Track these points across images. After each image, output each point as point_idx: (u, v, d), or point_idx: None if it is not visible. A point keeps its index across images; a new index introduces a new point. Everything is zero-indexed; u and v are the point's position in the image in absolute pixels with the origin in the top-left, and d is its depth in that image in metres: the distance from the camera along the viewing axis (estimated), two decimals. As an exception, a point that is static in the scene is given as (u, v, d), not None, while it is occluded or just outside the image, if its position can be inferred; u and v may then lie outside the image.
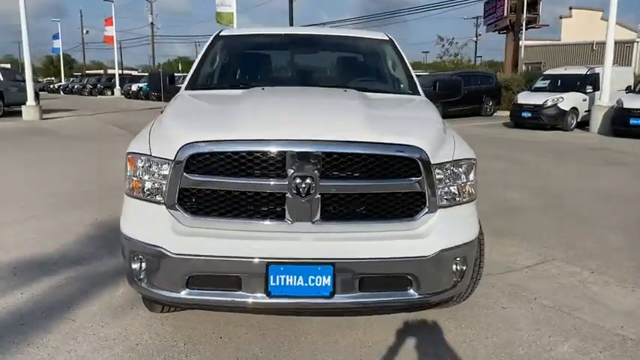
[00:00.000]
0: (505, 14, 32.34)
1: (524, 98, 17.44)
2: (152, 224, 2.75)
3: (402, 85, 4.24)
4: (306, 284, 2.61)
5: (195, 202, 2.72)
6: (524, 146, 13.05)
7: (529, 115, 16.89)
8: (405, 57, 4.24)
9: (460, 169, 2.88)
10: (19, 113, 20.10)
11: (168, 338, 3.15)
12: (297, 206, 2.64)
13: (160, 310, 3.34)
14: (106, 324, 3.32)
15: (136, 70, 76.76)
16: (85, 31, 73.33)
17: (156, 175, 2.75)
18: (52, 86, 63.22)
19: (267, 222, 2.69)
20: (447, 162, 2.81)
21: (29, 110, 19.81)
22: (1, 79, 21.53)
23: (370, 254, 2.63)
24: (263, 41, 4.68)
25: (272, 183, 2.62)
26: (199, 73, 4.17)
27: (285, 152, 2.60)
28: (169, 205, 2.73)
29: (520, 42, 31.43)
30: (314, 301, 2.65)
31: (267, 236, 2.66)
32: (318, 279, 2.61)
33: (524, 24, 30.91)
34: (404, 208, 2.75)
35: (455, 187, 2.86)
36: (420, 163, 2.68)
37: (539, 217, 6.21)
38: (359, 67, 4.68)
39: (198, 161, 2.66)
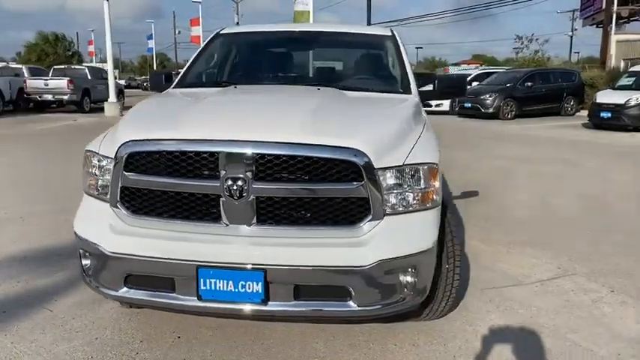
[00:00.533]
0: (602, 6, 30.36)
1: (604, 97, 16.21)
2: (96, 222, 2.77)
3: (393, 84, 4.02)
4: (236, 290, 2.53)
5: (135, 201, 2.71)
6: (595, 149, 12.15)
7: (609, 115, 15.70)
8: (404, 54, 4.02)
9: (415, 174, 2.68)
10: (103, 109, 21.40)
11: (128, 334, 3.17)
12: (232, 209, 2.56)
13: (128, 306, 3.37)
14: (78, 316, 3.39)
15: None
16: (177, 32, 76.72)
17: (103, 172, 2.76)
18: (145, 84, 66.72)
19: (204, 224, 2.63)
20: (397, 166, 2.61)
21: (110, 106, 21.02)
22: (89, 77, 22.99)
23: (304, 262, 2.50)
24: (259, 39, 4.63)
25: (206, 184, 2.56)
26: (190, 70, 4.18)
27: (217, 153, 2.52)
28: (112, 204, 2.74)
29: (612, 36, 29.29)
30: (246, 307, 2.56)
31: (200, 239, 2.60)
32: (249, 285, 2.52)
33: (614, 16, 28.81)
34: (345, 214, 2.60)
35: (408, 194, 2.66)
36: (360, 166, 2.51)
37: (581, 228, 5.71)
38: (351, 65, 4.52)
39: (136, 160, 2.64)
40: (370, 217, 2.59)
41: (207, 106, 3.09)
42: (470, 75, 24.16)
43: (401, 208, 2.66)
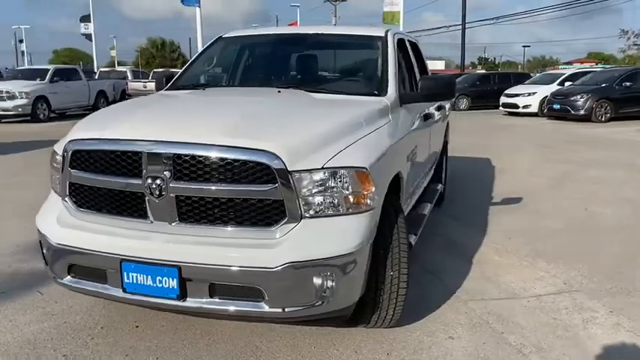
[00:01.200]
0: None
1: None
2: (49, 215, 3.01)
3: (367, 85, 3.94)
4: (154, 284, 2.64)
5: (80, 196, 2.91)
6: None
7: None
8: (391, 55, 3.92)
9: (338, 178, 2.64)
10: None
11: (94, 320, 3.39)
12: (155, 207, 2.67)
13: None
14: (60, 301, 3.67)
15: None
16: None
17: (58, 169, 2.99)
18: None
19: (133, 220, 2.76)
20: (315, 169, 2.59)
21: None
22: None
23: (216, 261, 2.55)
24: (250, 42, 4.74)
25: (131, 182, 2.69)
26: (183, 73, 4.36)
27: (140, 152, 2.64)
28: (63, 198, 2.96)
29: None
30: (165, 301, 2.66)
31: (127, 234, 2.74)
32: (165, 280, 2.61)
33: None
34: (261, 216, 2.62)
35: (329, 197, 2.62)
36: (273, 169, 2.52)
37: (616, 242, 5.24)
38: (331, 66, 4.46)
39: (78, 157, 2.84)
40: (286, 220, 2.59)
41: (150, 108, 3.24)
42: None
43: (322, 212, 2.62)
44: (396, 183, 3.31)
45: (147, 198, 2.67)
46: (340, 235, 2.63)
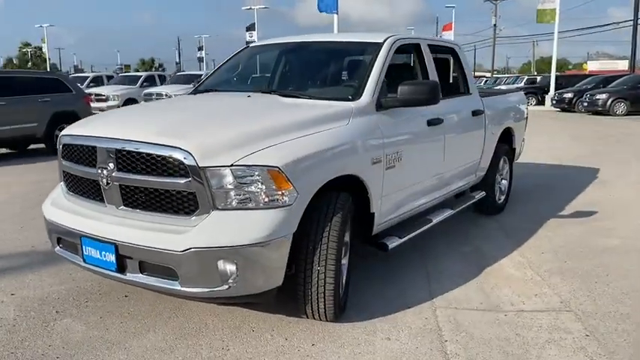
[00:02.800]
0: None
1: None
2: (49, 197, 3.71)
3: (341, 91, 4.07)
4: (101, 257, 3.16)
5: (68, 182, 3.55)
6: None
7: None
8: (378, 62, 3.99)
9: (249, 176, 2.92)
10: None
11: (97, 288, 4.03)
12: (107, 193, 3.20)
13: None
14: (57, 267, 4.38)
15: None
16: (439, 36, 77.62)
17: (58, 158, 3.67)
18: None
19: (96, 203, 3.32)
20: (224, 166, 2.90)
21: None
22: None
23: (139, 242, 2.99)
24: (262, 51, 5.13)
25: (90, 171, 3.24)
26: (207, 78, 4.88)
27: (94, 147, 3.19)
28: (60, 182, 3.64)
29: None
30: (109, 273, 3.17)
31: (88, 214, 3.30)
32: (107, 255, 3.12)
33: None
34: (181, 205, 2.99)
35: (239, 192, 2.92)
36: (185, 164, 2.89)
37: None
38: (319, 72, 4.59)
39: (65, 149, 3.48)
40: (198, 210, 2.94)
41: (126, 112, 3.79)
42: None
43: (232, 205, 2.92)
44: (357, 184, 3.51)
45: (101, 185, 3.19)
46: (248, 227, 2.89)
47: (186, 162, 2.87)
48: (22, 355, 3.08)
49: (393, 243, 3.99)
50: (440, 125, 4.50)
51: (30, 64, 78.99)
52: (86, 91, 17.41)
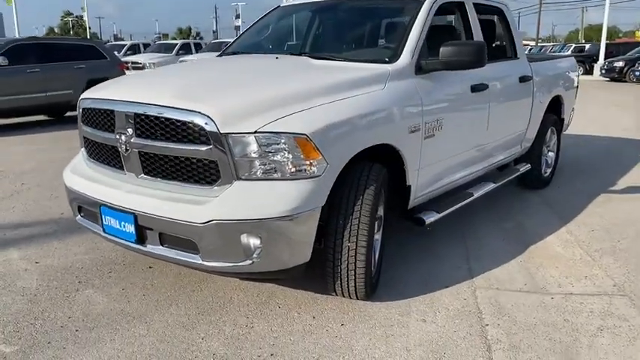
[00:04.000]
0: None
1: None
2: (70, 164, 3.57)
3: (377, 53, 3.77)
4: (120, 228, 3.00)
5: (88, 148, 3.39)
6: None
7: None
8: (418, 21, 3.64)
9: (274, 143, 2.69)
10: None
11: (122, 259, 3.91)
12: (127, 160, 3.02)
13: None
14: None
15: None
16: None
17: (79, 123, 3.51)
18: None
19: (113, 170, 3.16)
20: (248, 133, 2.67)
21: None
22: None
23: (158, 212, 2.81)
24: (293, 11, 4.79)
25: (109, 137, 3.07)
26: (235, 41, 4.63)
27: (113, 110, 3.00)
28: (82, 149, 3.49)
29: None
30: (131, 245, 3.01)
31: (108, 183, 3.14)
32: (126, 226, 2.96)
33: None
34: (201, 174, 2.80)
35: (263, 162, 2.70)
36: (206, 130, 2.68)
37: None
38: (353, 33, 4.26)
39: (85, 114, 3.31)
40: (221, 180, 2.73)
41: (148, 75, 3.60)
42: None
43: (256, 175, 2.71)
44: (393, 154, 3.26)
45: (120, 152, 3.01)
46: (273, 199, 2.68)
47: (207, 128, 2.65)
48: (41, 326, 2.98)
49: (430, 218, 3.73)
50: (484, 91, 4.16)
51: (72, 33, 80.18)
52: (123, 59, 17.44)
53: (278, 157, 2.68)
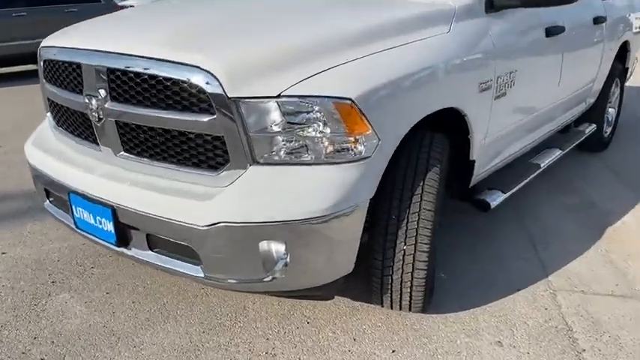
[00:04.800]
0: None
1: None
2: (34, 132, 2.75)
3: None
4: (96, 224, 2.23)
5: (54, 113, 2.57)
6: None
7: None
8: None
9: (304, 111, 1.87)
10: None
11: (81, 252, 3.13)
12: (100, 132, 2.21)
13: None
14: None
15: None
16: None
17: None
18: None
19: (85, 145, 2.35)
20: (268, 97, 1.85)
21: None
22: None
23: (145, 207, 2.03)
24: None
25: (76, 99, 2.25)
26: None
27: (79, 64, 2.16)
28: (47, 113, 2.66)
29: None
30: (112, 247, 2.24)
31: (78, 161, 2.34)
32: (103, 222, 2.18)
33: None
34: (204, 156, 1.99)
35: (291, 138, 1.88)
36: (207, 93, 1.85)
37: None
38: None
39: (46, 67, 2.47)
40: (229, 165, 1.92)
41: (122, 16, 2.71)
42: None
43: (281, 157, 1.90)
44: (457, 122, 2.44)
45: (92, 121, 2.19)
46: (303, 192, 1.89)
47: (208, 89, 1.83)
48: (-3, 352, 2.25)
49: (495, 200, 2.94)
50: (560, 35, 3.27)
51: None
52: (120, 3, 16.22)
53: (310, 132, 1.87)
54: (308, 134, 1.87)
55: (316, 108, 1.85)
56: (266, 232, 1.87)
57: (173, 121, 1.95)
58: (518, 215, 3.63)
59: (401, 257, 2.18)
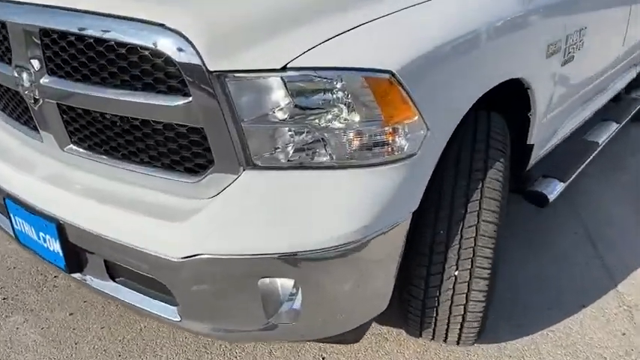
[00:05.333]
0: None
1: None
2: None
3: None
4: (40, 241, 1.65)
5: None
6: None
7: None
8: None
9: (321, 90, 1.26)
10: None
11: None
12: (39, 118, 1.61)
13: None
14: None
15: None
16: None
17: None
18: None
19: (24, 132, 1.76)
20: (269, 71, 1.24)
21: None
22: None
23: (99, 227, 1.44)
24: None
25: (5, 72, 1.64)
26: None
27: (4, 24, 1.54)
28: None
29: None
30: (63, 272, 1.67)
31: (15, 156, 1.75)
32: (48, 240, 1.61)
33: None
34: (177, 154, 1.40)
35: (302, 128, 1.29)
36: (180, 65, 1.24)
37: None
38: None
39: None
40: (213, 167, 1.32)
41: None
42: None
43: (288, 158, 1.31)
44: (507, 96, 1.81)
45: (28, 102, 1.59)
46: (324, 208, 1.30)
47: (179, 59, 1.21)
48: None
49: (552, 191, 2.35)
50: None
51: None
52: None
53: (330, 121, 1.26)
54: (326, 124, 1.27)
55: (338, 85, 1.25)
56: (267, 268, 1.30)
57: (133, 107, 1.35)
58: (569, 201, 3.02)
59: (451, 286, 1.61)
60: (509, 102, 1.91)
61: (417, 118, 1.34)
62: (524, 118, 2.02)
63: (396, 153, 1.34)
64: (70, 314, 2.16)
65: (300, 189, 1.31)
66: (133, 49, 1.29)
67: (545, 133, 2.27)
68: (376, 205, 1.31)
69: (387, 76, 1.26)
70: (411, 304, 1.69)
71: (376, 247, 1.36)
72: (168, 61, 1.25)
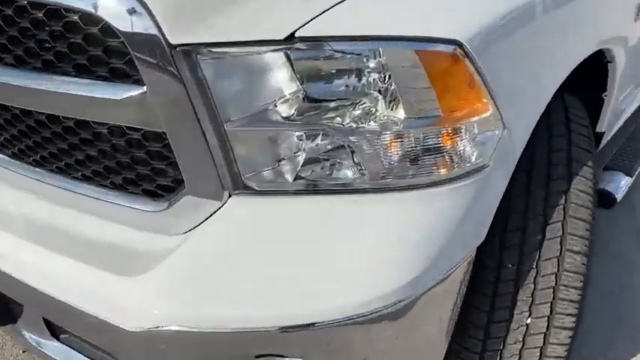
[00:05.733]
0: None
1: None
2: None
3: None
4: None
5: None
6: None
7: None
8: None
9: (349, 72, 0.80)
10: None
11: None
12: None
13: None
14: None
15: None
16: None
17: None
18: None
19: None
20: (267, 43, 0.77)
21: None
22: None
23: (25, 275, 1.00)
24: None
25: None
26: None
27: None
28: None
29: None
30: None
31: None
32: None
33: None
34: (131, 170, 0.95)
35: (316, 130, 0.83)
36: (124, 34, 0.77)
37: None
38: None
39: None
40: (184, 191, 0.87)
41: None
42: None
43: (295, 178, 0.84)
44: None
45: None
46: (356, 254, 0.85)
47: (125, 28, 0.74)
48: None
49: (619, 188, 1.93)
50: None
51: None
52: None
53: (360, 119, 0.80)
54: (353, 123, 0.82)
55: (372, 64, 0.79)
56: (267, 344, 0.86)
57: (63, 100, 0.89)
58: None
59: (520, 338, 1.17)
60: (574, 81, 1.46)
61: (490, 112, 0.88)
62: (590, 101, 1.56)
63: (459, 166, 0.88)
64: (24, 351, 1.74)
65: (316, 226, 0.86)
66: (56, 11, 0.83)
67: (614, 117, 1.82)
68: (432, 246, 0.87)
69: (450, 48, 0.80)
70: (463, 359, 1.26)
71: (429, 300, 0.92)
72: (108, 30, 0.79)
